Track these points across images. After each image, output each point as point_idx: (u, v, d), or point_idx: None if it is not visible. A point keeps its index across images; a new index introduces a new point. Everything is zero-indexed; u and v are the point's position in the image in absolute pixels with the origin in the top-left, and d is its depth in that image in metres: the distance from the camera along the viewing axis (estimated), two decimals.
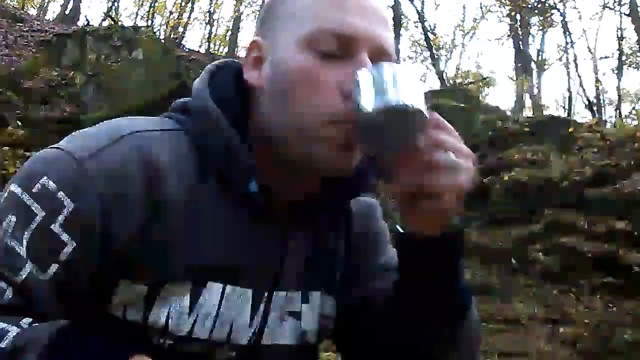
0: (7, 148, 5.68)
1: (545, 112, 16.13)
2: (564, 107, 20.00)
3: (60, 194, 0.63)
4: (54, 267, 0.64)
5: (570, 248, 6.57)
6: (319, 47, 0.69)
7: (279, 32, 0.73)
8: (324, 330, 0.84)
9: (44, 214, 0.63)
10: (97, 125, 0.72)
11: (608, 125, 13.06)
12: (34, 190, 0.64)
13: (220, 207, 0.72)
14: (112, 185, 0.64)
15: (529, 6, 15.83)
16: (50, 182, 0.64)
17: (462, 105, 10.61)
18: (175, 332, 0.69)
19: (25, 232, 0.63)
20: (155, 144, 0.69)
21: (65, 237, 0.64)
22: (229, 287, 0.72)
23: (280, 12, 0.74)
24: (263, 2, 0.81)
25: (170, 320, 0.69)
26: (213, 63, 0.81)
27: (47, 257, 0.64)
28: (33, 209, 0.63)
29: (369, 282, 0.87)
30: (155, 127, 0.72)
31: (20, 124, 6.26)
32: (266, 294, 0.76)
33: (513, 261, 6.60)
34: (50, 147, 0.69)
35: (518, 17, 16.84)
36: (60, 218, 0.63)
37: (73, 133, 0.72)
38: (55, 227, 0.63)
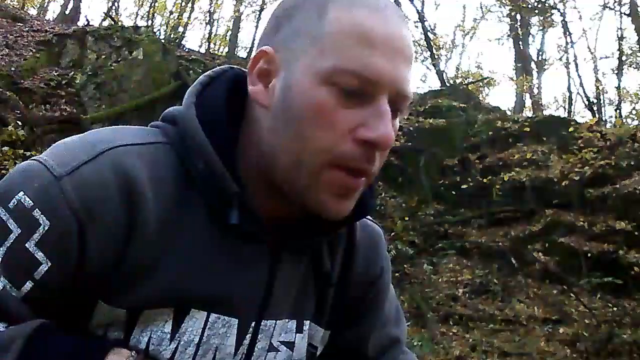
0: (7, 148, 5.68)
1: (545, 112, 16.16)
2: (564, 107, 20.03)
3: (36, 212, 0.61)
4: (28, 285, 0.62)
5: (570, 248, 6.57)
6: (339, 84, 0.64)
7: (297, 53, 0.66)
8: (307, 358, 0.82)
9: (20, 231, 0.62)
10: (82, 135, 0.69)
11: (608, 125, 13.07)
12: (10, 206, 0.62)
13: (204, 231, 0.68)
14: (88, 205, 0.62)
15: (529, 6, 15.83)
16: (27, 199, 0.62)
17: (462, 105, 10.62)
18: (156, 357, 0.67)
19: (0, 249, 0.62)
20: (136, 160, 0.65)
21: (40, 256, 0.62)
22: (213, 316, 0.69)
23: (300, 28, 0.67)
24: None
25: (151, 346, 0.67)
26: (206, 73, 0.77)
27: (21, 275, 0.62)
28: (9, 225, 0.62)
29: (365, 330, 0.86)
30: (139, 140, 0.68)
31: (20, 124, 6.26)
32: (253, 323, 0.73)
33: (513, 261, 6.61)
34: (32, 159, 0.66)
35: (518, 17, 16.85)
36: (36, 236, 0.61)
37: (57, 142, 0.68)
38: (30, 246, 0.61)
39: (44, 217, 0.61)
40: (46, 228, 0.61)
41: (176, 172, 0.68)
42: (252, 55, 0.71)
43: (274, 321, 0.75)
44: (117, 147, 0.66)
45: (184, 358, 0.69)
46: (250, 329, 0.73)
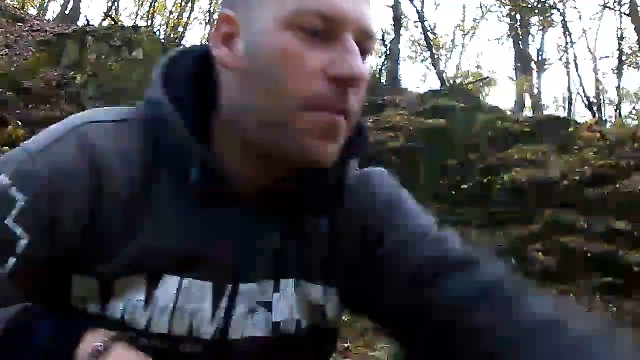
0: (7, 148, 5.68)
1: (545, 112, 16.16)
2: (564, 107, 20.04)
3: (13, 190, 0.65)
4: (11, 261, 0.65)
5: (570, 248, 6.57)
6: (302, 26, 0.63)
7: (255, 8, 0.67)
8: (316, 322, 0.78)
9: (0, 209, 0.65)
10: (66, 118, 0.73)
11: (608, 125, 13.07)
12: None
13: (173, 198, 0.69)
14: (58, 179, 0.65)
15: (529, 6, 15.83)
16: (5, 179, 0.66)
17: (462, 105, 10.61)
18: (133, 326, 0.68)
19: None
20: (103, 135, 0.68)
21: (19, 231, 0.65)
22: (186, 280, 0.69)
23: None
24: None
25: (126, 315, 0.68)
26: (177, 49, 0.78)
27: (4, 252, 0.65)
28: None
29: (388, 263, 0.75)
30: (112, 118, 0.71)
31: (20, 124, 6.26)
32: (230, 287, 0.72)
33: (513, 261, 6.60)
34: (18, 146, 0.70)
35: (518, 17, 16.85)
36: (14, 213, 0.65)
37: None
38: (9, 222, 0.64)
39: (20, 194, 0.65)
40: (22, 204, 0.65)
41: (145, 145, 0.70)
42: (214, 24, 0.71)
43: (252, 283, 0.73)
44: (86, 125, 0.69)
45: (159, 325, 0.69)
46: (227, 292, 0.72)
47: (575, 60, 18.31)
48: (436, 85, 15.57)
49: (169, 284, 0.69)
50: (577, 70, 23.07)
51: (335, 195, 0.78)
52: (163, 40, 11.00)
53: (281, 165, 0.71)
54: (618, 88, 17.05)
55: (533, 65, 18.88)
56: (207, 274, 0.71)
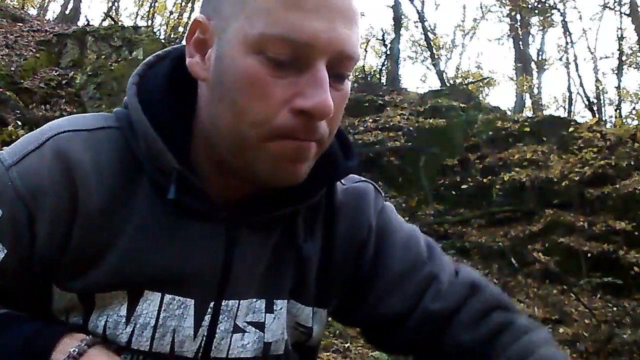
0: (6, 148, 5.67)
1: (545, 112, 16.15)
2: (564, 107, 20.06)
3: None
4: None
5: (570, 248, 6.57)
6: (268, 52, 0.59)
7: (227, 20, 0.62)
8: (300, 341, 0.77)
9: None
10: (42, 126, 0.71)
11: (608, 125, 13.08)
12: None
13: (153, 212, 0.67)
14: (32, 191, 0.64)
15: (529, 6, 15.83)
16: None
17: (462, 105, 10.61)
18: (114, 341, 0.66)
19: None
20: (79, 145, 0.66)
21: None
22: (167, 297, 0.67)
23: None
24: None
25: (107, 330, 0.66)
26: (155, 54, 0.74)
27: None
28: None
29: (379, 294, 0.77)
30: (88, 127, 0.68)
31: (20, 124, 6.26)
32: (212, 304, 0.70)
33: (513, 261, 6.60)
34: None
35: (518, 17, 16.85)
36: None
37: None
38: None
39: None
40: None
41: (122, 155, 0.68)
42: (189, 26, 0.66)
43: (237, 301, 0.71)
44: (62, 134, 0.67)
45: (141, 341, 0.67)
46: (210, 310, 0.70)
47: (575, 60, 18.40)
48: (436, 85, 15.60)
49: (151, 300, 0.67)
50: (577, 70, 23.18)
51: (328, 205, 0.77)
52: (163, 40, 11.00)
53: (253, 183, 0.68)
54: (618, 88, 17.05)
55: (533, 65, 18.88)
56: (189, 290, 0.68)
